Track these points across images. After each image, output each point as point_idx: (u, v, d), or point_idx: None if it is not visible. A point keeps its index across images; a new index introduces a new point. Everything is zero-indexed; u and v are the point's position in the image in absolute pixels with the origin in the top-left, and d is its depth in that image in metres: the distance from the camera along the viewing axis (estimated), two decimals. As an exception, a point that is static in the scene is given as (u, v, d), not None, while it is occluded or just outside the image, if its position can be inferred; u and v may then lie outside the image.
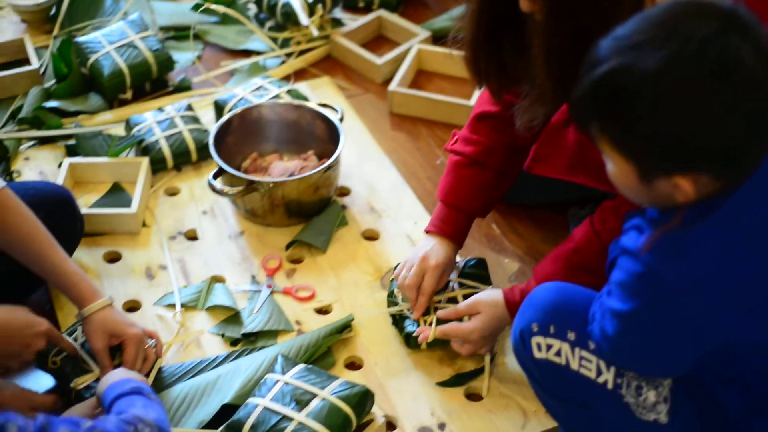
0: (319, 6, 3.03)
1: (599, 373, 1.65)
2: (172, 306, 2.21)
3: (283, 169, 2.45)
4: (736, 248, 1.42)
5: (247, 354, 2.06)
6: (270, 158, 2.54)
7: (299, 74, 2.97)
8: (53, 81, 2.84)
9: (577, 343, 1.66)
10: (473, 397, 2.03)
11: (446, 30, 2.95)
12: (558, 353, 1.68)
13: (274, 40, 3.07)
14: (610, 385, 1.65)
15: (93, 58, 2.77)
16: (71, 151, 2.60)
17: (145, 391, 1.69)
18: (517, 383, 2.02)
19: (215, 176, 2.33)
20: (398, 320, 2.12)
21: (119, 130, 2.67)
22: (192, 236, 2.41)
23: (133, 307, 2.23)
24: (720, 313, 1.44)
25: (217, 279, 2.28)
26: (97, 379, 1.95)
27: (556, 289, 1.72)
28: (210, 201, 2.48)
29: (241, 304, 2.21)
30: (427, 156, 2.68)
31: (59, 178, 2.43)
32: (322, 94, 2.85)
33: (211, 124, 2.62)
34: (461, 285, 2.15)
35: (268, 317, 2.16)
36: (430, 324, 2.05)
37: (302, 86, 2.86)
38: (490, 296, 1.99)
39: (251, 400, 1.85)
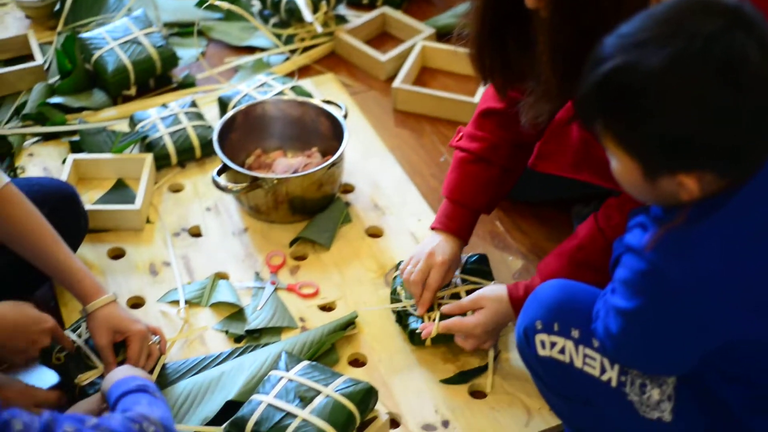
0: (323, 3, 3.02)
1: (603, 370, 1.65)
2: (176, 302, 2.21)
3: (287, 165, 2.45)
4: (740, 246, 1.42)
5: (251, 351, 2.06)
6: (274, 155, 2.54)
7: (303, 71, 2.97)
8: (57, 77, 2.84)
9: (581, 340, 1.66)
10: (477, 394, 2.03)
11: (450, 27, 2.96)
12: (562, 351, 1.68)
13: (278, 36, 3.07)
14: (613, 383, 1.65)
15: (97, 54, 2.77)
16: (75, 147, 2.61)
17: (150, 389, 1.69)
18: (520, 381, 2.02)
19: (219, 173, 2.33)
20: (402, 317, 2.12)
21: (123, 127, 2.67)
22: (196, 233, 2.41)
23: (136, 303, 2.23)
24: (724, 311, 1.44)
25: (220, 276, 2.28)
26: (101, 376, 1.95)
27: (560, 286, 1.72)
28: (214, 197, 2.48)
29: (244, 301, 2.21)
30: (431, 153, 2.68)
31: (63, 174, 2.44)
32: (326, 90, 2.85)
33: (215, 121, 2.62)
34: (464, 281, 2.15)
35: (271, 314, 2.17)
36: (434, 320, 2.05)
37: (306, 83, 2.86)
38: (494, 291, 1.99)
39: (255, 397, 1.85)
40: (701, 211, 1.41)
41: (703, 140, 1.35)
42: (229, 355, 2.06)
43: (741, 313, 1.44)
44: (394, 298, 2.16)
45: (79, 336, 2.01)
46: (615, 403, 1.66)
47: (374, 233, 2.41)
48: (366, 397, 1.85)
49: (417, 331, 2.06)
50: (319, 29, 3.01)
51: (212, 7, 3.15)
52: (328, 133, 2.50)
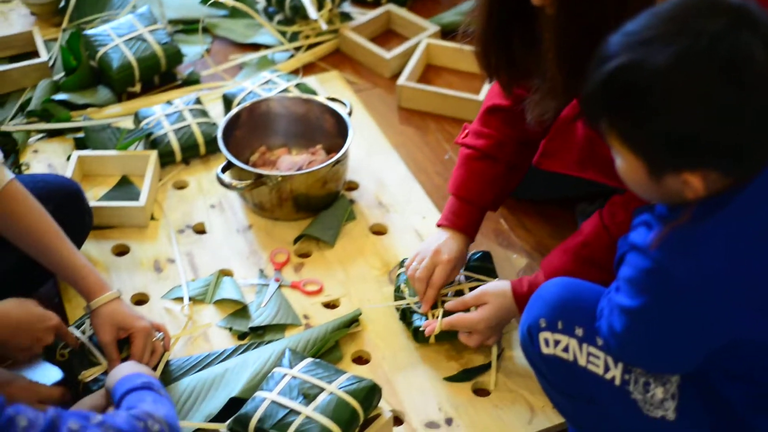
0: (328, 0, 3.02)
1: (607, 369, 1.65)
2: (180, 299, 2.21)
3: (291, 163, 2.45)
4: (745, 245, 1.42)
5: (255, 348, 2.07)
6: (278, 152, 2.54)
7: (308, 68, 2.97)
8: (62, 74, 2.85)
9: (585, 339, 1.66)
10: (480, 392, 2.02)
11: (455, 24, 2.97)
12: (566, 349, 1.68)
13: (283, 33, 3.07)
14: (617, 382, 1.65)
15: (102, 51, 2.77)
16: (80, 144, 2.61)
17: (155, 387, 1.69)
18: (524, 379, 2.02)
19: (224, 170, 2.33)
20: (406, 314, 2.12)
21: (128, 123, 2.67)
22: (200, 230, 2.41)
23: (141, 300, 2.23)
24: (728, 309, 1.44)
25: (225, 272, 2.28)
26: (105, 372, 1.96)
27: (564, 284, 1.72)
28: (218, 194, 2.48)
29: (248, 298, 2.21)
30: (436, 150, 2.68)
31: (68, 171, 2.44)
32: (330, 88, 2.85)
33: (219, 118, 2.62)
34: (468, 278, 2.15)
35: (275, 311, 2.17)
36: (438, 317, 2.05)
37: (311, 80, 2.86)
38: (498, 287, 1.99)
39: (259, 394, 1.85)
40: (706, 210, 1.41)
41: (708, 138, 1.35)
42: (233, 352, 2.06)
43: (745, 311, 1.44)
44: (398, 295, 2.16)
45: (83, 332, 2.02)
46: (618, 402, 1.66)
47: (378, 231, 2.41)
48: (369, 394, 1.85)
49: (420, 328, 2.06)
50: (324, 26, 3.01)
51: (217, 4, 3.15)
52: (332, 131, 2.50)
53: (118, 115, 2.73)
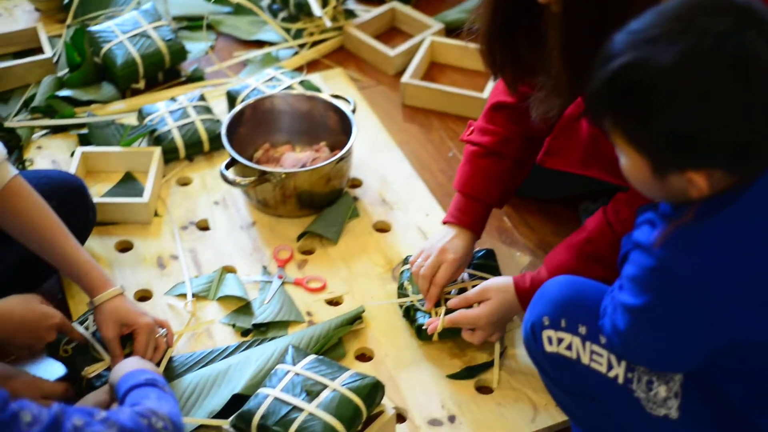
0: (332, -3, 3.04)
1: (610, 367, 1.65)
2: (184, 296, 2.21)
3: (295, 160, 2.45)
4: (748, 243, 1.42)
5: (258, 344, 2.07)
6: (282, 149, 2.54)
7: (312, 65, 2.97)
8: (66, 70, 2.85)
9: (588, 337, 1.66)
10: (483, 389, 2.03)
11: (459, 22, 2.98)
12: (569, 347, 1.68)
13: (287, 30, 3.07)
14: (620, 380, 1.65)
15: (106, 47, 2.77)
16: (84, 140, 2.61)
17: (159, 383, 1.69)
18: (527, 376, 2.02)
19: (227, 166, 2.33)
20: (409, 312, 2.12)
21: (132, 120, 2.67)
22: (204, 226, 2.41)
23: (144, 296, 2.23)
24: (731, 308, 1.44)
25: (228, 269, 2.28)
26: (108, 368, 1.96)
27: (567, 282, 1.72)
28: (222, 191, 2.48)
29: (252, 295, 2.21)
30: (440, 148, 2.68)
31: (72, 167, 2.44)
32: (334, 85, 2.85)
33: (223, 115, 2.62)
34: (471, 276, 2.15)
35: (279, 308, 2.17)
36: (441, 315, 2.05)
37: (315, 77, 2.85)
38: (500, 282, 1.99)
39: (262, 391, 1.85)
40: (710, 208, 1.41)
41: (713, 138, 1.35)
42: (236, 349, 2.06)
43: (747, 311, 1.44)
44: (402, 292, 2.16)
45: (87, 328, 2.02)
46: (621, 400, 1.66)
47: (382, 228, 2.41)
48: (372, 391, 1.85)
49: (423, 326, 2.06)
50: (328, 24, 3.01)
51: (221, 1, 3.16)
52: (336, 128, 2.50)
53: (122, 111, 2.73)
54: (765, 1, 1.38)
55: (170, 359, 2.02)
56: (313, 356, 1.93)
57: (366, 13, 3.12)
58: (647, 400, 1.63)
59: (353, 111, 2.48)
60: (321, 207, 2.40)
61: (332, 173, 2.36)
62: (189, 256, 2.31)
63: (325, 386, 1.84)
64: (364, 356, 2.10)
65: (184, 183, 2.53)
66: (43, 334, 1.91)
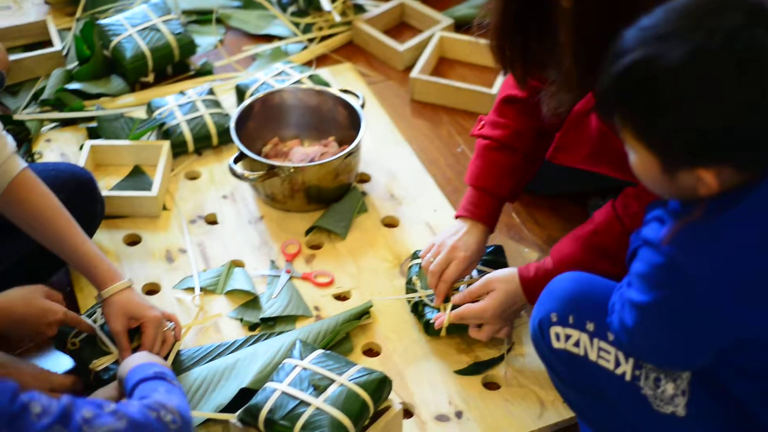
0: (342, -8, 3.04)
1: (617, 364, 1.65)
2: (191, 289, 2.21)
3: (303, 154, 2.45)
4: (757, 241, 1.41)
5: (266, 339, 2.07)
6: (291, 143, 2.54)
7: (321, 60, 2.97)
8: (75, 63, 2.85)
9: (596, 333, 1.65)
10: (491, 385, 2.03)
11: (469, 17, 2.97)
12: (576, 344, 1.68)
13: (297, 25, 3.07)
14: (628, 377, 1.64)
15: (115, 40, 2.78)
16: (93, 134, 2.61)
17: (167, 377, 1.69)
18: (534, 373, 2.02)
19: (236, 161, 2.33)
20: (417, 307, 2.12)
21: (141, 113, 2.67)
22: (212, 220, 2.41)
23: (152, 290, 2.23)
24: (740, 306, 1.43)
25: (236, 263, 2.28)
26: (116, 361, 1.96)
27: (575, 279, 1.72)
28: (230, 185, 2.48)
29: (260, 289, 2.21)
30: (448, 144, 2.68)
31: (80, 160, 2.44)
32: (343, 80, 2.85)
33: (232, 109, 2.63)
34: (480, 272, 2.15)
35: (286, 302, 2.17)
36: (448, 311, 2.05)
37: (324, 72, 2.85)
38: (504, 273, 1.99)
39: (269, 385, 1.85)
40: (719, 206, 1.41)
41: (723, 135, 1.35)
42: (244, 343, 2.06)
43: (755, 309, 1.44)
44: (410, 288, 2.16)
45: (95, 321, 2.02)
46: (629, 397, 1.66)
47: (390, 223, 2.41)
48: (380, 386, 1.85)
49: (431, 321, 2.06)
50: (338, 18, 3.01)
51: (231, -5, 3.16)
52: (345, 123, 2.50)
53: (130, 105, 2.74)
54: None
55: (178, 353, 2.02)
56: (320, 351, 1.93)
57: (375, 8, 3.12)
58: (654, 398, 1.63)
59: (362, 106, 2.48)
60: (329, 202, 2.40)
61: (341, 168, 2.36)
62: (197, 250, 2.31)
63: (332, 381, 1.84)
64: (371, 351, 2.10)
65: (193, 177, 2.53)
66: (43, 329, 1.92)
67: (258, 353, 2.01)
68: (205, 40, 3.02)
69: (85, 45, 2.82)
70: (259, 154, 2.46)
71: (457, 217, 2.12)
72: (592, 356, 1.67)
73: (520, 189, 2.13)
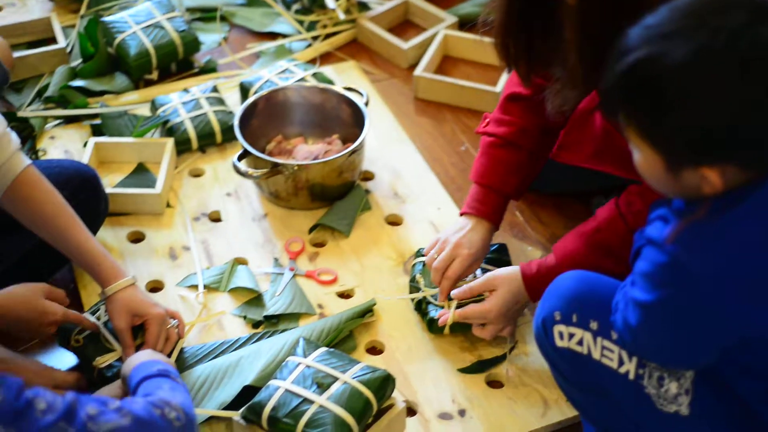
0: (346, -10, 3.03)
1: (621, 363, 1.65)
2: (195, 287, 2.21)
3: (307, 152, 2.45)
4: (761, 240, 1.41)
5: (269, 336, 2.07)
6: (295, 141, 2.54)
7: (325, 58, 2.97)
8: (80, 60, 2.85)
9: (600, 332, 1.65)
10: (494, 384, 2.02)
11: (473, 15, 2.97)
12: (580, 342, 1.68)
13: (301, 23, 3.07)
14: (631, 376, 1.64)
15: (119, 38, 2.78)
16: (96, 131, 2.61)
17: (171, 374, 1.69)
18: (538, 371, 2.02)
19: (240, 158, 2.33)
20: (421, 305, 2.11)
21: (144, 111, 2.67)
22: (216, 218, 2.41)
23: (155, 287, 2.24)
24: (744, 305, 1.43)
25: (240, 261, 2.29)
26: (120, 359, 1.96)
27: (579, 278, 1.72)
28: (234, 183, 2.48)
29: (263, 287, 2.21)
30: (452, 142, 2.68)
31: (84, 157, 2.44)
32: (347, 78, 2.85)
33: (236, 106, 2.62)
34: (484, 270, 2.15)
35: (290, 300, 2.17)
36: (452, 308, 2.05)
37: (328, 70, 2.85)
38: (507, 272, 1.98)
39: (272, 383, 1.85)
40: (723, 205, 1.41)
41: (727, 134, 1.35)
42: (247, 341, 2.06)
43: (759, 308, 1.44)
44: (414, 286, 2.16)
45: (98, 319, 2.02)
46: (632, 396, 1.66)
47: (394, 221, 2.41)
48: (383, 384, 1.85)
49: (435, 318, 2.06)
50: (342, 16, 3.01)
51: (235, -7, 3.16)
52: (349, 121, 2.50)
53: (134, 102, 2.74)
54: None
55: (181, 350, 2.03)
56: (324, 349, 1.93)
57: (379, 6, 3.12)
58: (658, 397, 1.63)
59: (366, 104, 2.48)
60: (333, 199, 2.40)
61: (344, 166, 2.36)
62: (201, 248, 2.32)
63: (335, 379, 1.84)
64: (374, 349, 2.10)
65: (197, 174, 2.53)
66: (43, 329, 1.94)
67: (261, 351, 2.01)
68: (209, 37, 3.02)
69: (89, 42, 2.82)
70: (262, 151, 2.46)
71: (461, 214, 2.12)
72: (596, 355, 1.67)
73: (525, 186, 2.13)
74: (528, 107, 2.07)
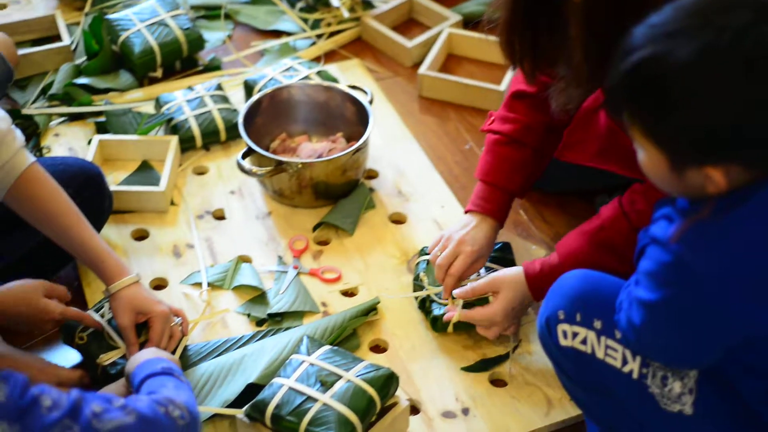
0: (350, -12, 3.03)
1: (625, 362, 1.65)
2: (199, 285, 2.22)
3: (311, 150, 2.45)
4: (765, 239, 1.41)
5: (273, 334, 2.07)
6: (299, 139, 2.54)
7: (329, 56, 2.97)
8: (84, 58, 2.85)
9: (603, 331, 1.65)
10: (498, 383, 2.02)
11: (477, 14, 2.97)
12: (584, 341, 1.68)
13: (305, 21, 3.07)
14: (635, 375, 1.64)
15: (124, 35, 2.78)
16: (101, 128, 2.62)
17: (175, 372, 1.69)
18: (542, 370, 2.02)
19: (244, 156, 2.33)
20: (425, 303, 2.11)
21: (149, 108, 2.68)
22: (219, 216, 2.41)
23: (159, 285, 2.24)
24: (748, 304, 1.43)
25: (243, 259, 2.29)
26: (123, 356, 1.96)
27: (583, 277, 1.72)
28: (238, 181, 2.48)
29: (267, 285, 2.22)
30: (456, 140, 2.68)
31: (89, 155, 2.44)
32: (351, 76, 2.85)
33: (240, 104, 2.63)
34: (488, 269, 2.15)
35: (294, 298, 2.17)
36: (458, 306, 2.05)
37: (332, 68, 2.85)
38: (510, 273, 1.98)
39: (276, 380, 1.86)
40: (727, 204, 1.41)
41: (731, 133, 1.35)
42: (251, 338, 2.06)
43: (763, 307, 1.44)
44: (417, 284, 2.16)
45: (102, 316, 2.02)
46: (636, 395, 1.65)
47: (398, 220, 2.41)
48: (387, 382, 1.85)
49: (442, 314, 2.05)
50: (346, 14, 3.01)
51: (239, -9, 3.16)
52: (353, 119, 2.50)
53: (139, 100, 2.74)
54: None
55: (185, 348, 2.03)
56: (327, 347, 1.93)
57: (383, 4, 3.12)
58: (661, 396, 1.63)
59: (370, 102, 2.48)
60: (337, 198, 2.40)
61: (348, 164, 2.36)
62: (205, 245, 2.32)
63: (339, 377, 1.84)
64: (378, 347, 2.10)
65: (201, 172, 2.53)
66: (41, 326, 1.94)
67: (265, 349, 2.02)
68: (214, 35, 3.02)
69: (93, 40, 2.82)
70: (267, 149, 2.46)
71: (466, 211, 2.12)
72: (600, 354, 1.67)
73: (529, 184, 2.13)
74: (533, 105, 2.07)
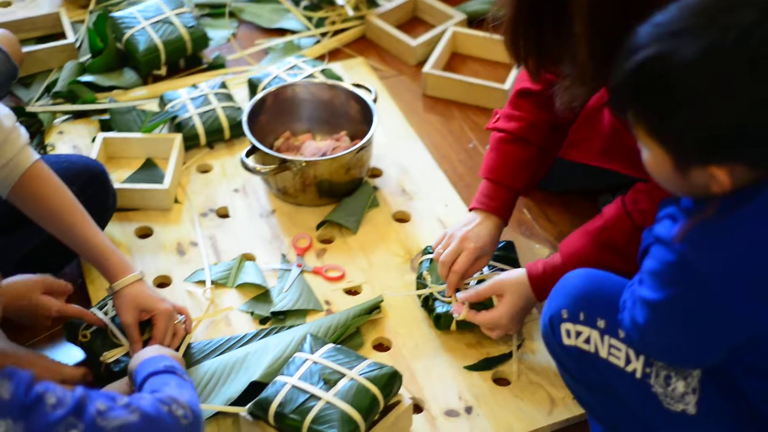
0: (355, -14, 3.03)
1: (628, 361, 1.65)
2: (203, 282, 2.22)
3: (315, 148, 2.45)
4: (769, 240, 1.41)
5: (276, 332, 2.07)
6: (303, 137, 2.54)
7: (333, 54, 2.97)
8: (88, 56, 2.85)
9: (607, 331, 1.65)
10: (501, 381, 2.02)
11: (481, 12, 2.97)
12: (587, 340, 1.68)
13: (309, 19, 3.07)
14: (638, 374, 1.64)
15: (128, 33, 2.78)
16: (105, 126, 2.62)
17: (178, 371, 1.69)
18: (545, 369, 2.02)
19: (248, 154, 2.33)
20: (428, 301, 2.11)
21: (153, 106, 2.68)
22: (223, 214, 2.41)
23: (163, 282, 2.24)
24: (752, 304, 1.43)
25: (247, 257, 2.29)
26: (127, 354, 1.96)
27: (586, 276, 1.72)
28: (242, 179, 2.48)
29: (270, 283, 2.22)
30: (460, 139, 2.68)
31: (93, 153, 2.44)
32: (356, 74, 2.85)
33: (244, 102, 2.62)
34: (491, 267, 2.14)
35: (297, 296, 2.17)
36: (465, 303, 2.04)
37: (336, 66, 2.85)
38: (514, 276, 1.98)
39: (279, 379, 1.86)
40: (732, 204, 1.41)
41: (736, 133, 1.34)
42: (254, 337, 2.06)
43: (767, 307, 1.43)
44: (420, 282, 2.16)
45: (106, 314, 2.02)
46: (639, 395, 1.65)
47: (401, 218, 2.41)
48: (390, 381, 1.85)
49: (444, 312, 2.05)
50: (350, 13, 3.01)
51: (244, -11, 3.16)
52: (357, 117, 2.50)
53: (143, 97, 2.74)
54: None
55: (188, 346, 2.03)
56: (330, 345, 1.93)
57: (388, 3, 3.11)
58: (665, 396, 1.62)
59: (374, 100, 2.48)
60: (341, 196, 2.40)
61: (352, 162, 2.36)
62: (208, 243, 2.32)
63: (342, 375, 1.84)
64: (381, 346, 2.10)
65: (205, 170, 2.53)
66: (41, 322, 1.94)
67: (268, 347, 2.02)
68: (218, 33, 3.02)
69: (98, 37, 2.83)
70: (271, 147, 2.46)
71: (470, 209, 2.11)
72: (603, 353, 1.66)
73: (534, 182, 2.12)
74: (538, 103, 2.06)
